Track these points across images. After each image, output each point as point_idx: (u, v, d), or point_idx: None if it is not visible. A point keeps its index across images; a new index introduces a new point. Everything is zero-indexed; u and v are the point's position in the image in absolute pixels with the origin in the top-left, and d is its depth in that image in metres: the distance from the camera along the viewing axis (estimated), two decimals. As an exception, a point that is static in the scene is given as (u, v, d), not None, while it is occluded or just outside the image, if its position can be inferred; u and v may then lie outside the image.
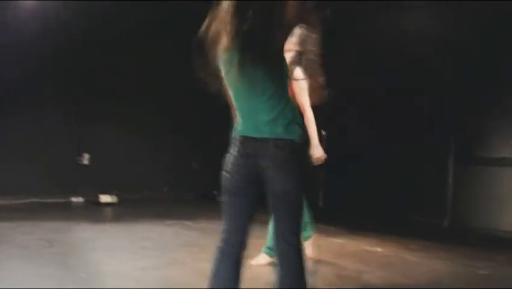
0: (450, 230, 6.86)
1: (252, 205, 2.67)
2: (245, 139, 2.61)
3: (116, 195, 7.76)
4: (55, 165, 7.69)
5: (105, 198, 7.68)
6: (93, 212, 7.24)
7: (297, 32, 4.18)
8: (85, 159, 8.05)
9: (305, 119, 3.98)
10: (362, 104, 7.70)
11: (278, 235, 2.60)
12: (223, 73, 2.59)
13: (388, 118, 7.44)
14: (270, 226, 4.42)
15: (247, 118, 2.62)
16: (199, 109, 8.05)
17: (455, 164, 6.92)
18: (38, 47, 7.50)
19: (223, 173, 2.67)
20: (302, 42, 4.16)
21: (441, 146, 7.02)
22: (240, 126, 2.66)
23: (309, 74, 4.27)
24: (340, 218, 7.23)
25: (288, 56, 3.90)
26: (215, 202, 8.35)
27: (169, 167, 8.67)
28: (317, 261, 4.73)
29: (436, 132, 7.07)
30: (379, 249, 5.60)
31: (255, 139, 2.57)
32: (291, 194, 2.55)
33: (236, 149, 2.65)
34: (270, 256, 4.45)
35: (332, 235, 6.08)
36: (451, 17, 6.93)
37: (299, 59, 4.17)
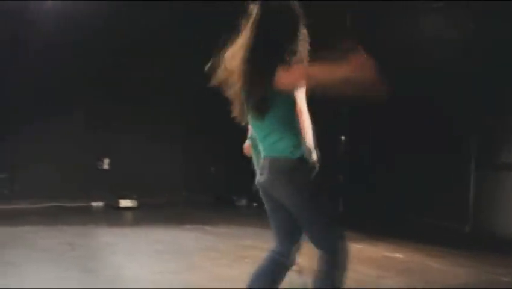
0: (472, 236, 6.77)
1: (290, 217, 2.66)
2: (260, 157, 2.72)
3: (136, 199, 7.80)
4: (75, 170, 7.76)
5: (124, 202, 7.73)
6: (112, 216, 7.29)
7: None
8: (105, 163, 8.12)
9: (301, 122, 3.78)
10: (385, 110, 7.64)
11: (312, 242, 2.65)
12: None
13: (409, 124, 7.37)
14: None
15: (257, 137, 2.70)
16: (218, 114, 8.06)
17: (477, 169, 6.84)
18: (61, 53, 7.58)
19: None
20: None
21: (462, 151, 6.94)
22: None
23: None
24: (359, 223, 7.18)
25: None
26: (234, 207, 8.37)
27: (189, 171, 8.69)
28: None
29: (457, 137, 6.99)
30: (398, 255, 5.55)
31: (264, 157, 2.65)
32: (300, 208, 2.58)
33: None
34: None
35: (351, 241, 6.02)
36: (470, 18, 6.86)
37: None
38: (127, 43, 7.96)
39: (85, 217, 7.06)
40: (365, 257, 5.40)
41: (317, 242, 2.62)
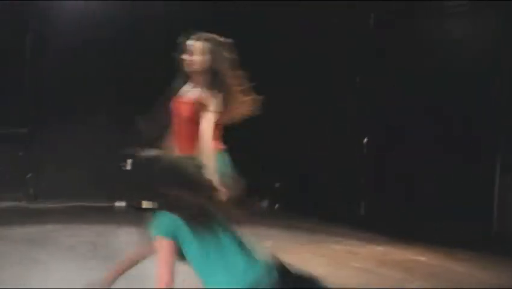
0: (497, 240, 6.67)
1: None
2: None
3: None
4: (99, 170, 7.81)
5: (146, 203, 7.75)
6: (134, 216, 7.31)
7: (198, 47, 3.54)
8: (129, 164, 8.15)
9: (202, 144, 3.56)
10: (409, 111, 7.59)
11: None
12: None
13: (434, 125, 7.30)
14: None
15: None
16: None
17: (502, 171, 6.74)
18: (83, 52, 7.64)
19: None
20: (211, 56, 3.52)
21: (487, 154, 6.85)
22: None
23: (230, 87, 3.58)
24: (383, 225, 7.12)
25: (198, 78, 3.55)
26: (256, 208, 8.34)
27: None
28: (360, 269, 4.67)
29: (482, 140, 6.90)
30: (423, 258, 5.49)
31: None
32: None
33: None
34: None
35: (374, 243, 6.00)
36: (498, 20, 6.76)
37: (211, 79, 3.53)
38: (152, 45, 7.98)
39: (108, 216, 7.11)
40: (389, 260, 5.36)
41: None
